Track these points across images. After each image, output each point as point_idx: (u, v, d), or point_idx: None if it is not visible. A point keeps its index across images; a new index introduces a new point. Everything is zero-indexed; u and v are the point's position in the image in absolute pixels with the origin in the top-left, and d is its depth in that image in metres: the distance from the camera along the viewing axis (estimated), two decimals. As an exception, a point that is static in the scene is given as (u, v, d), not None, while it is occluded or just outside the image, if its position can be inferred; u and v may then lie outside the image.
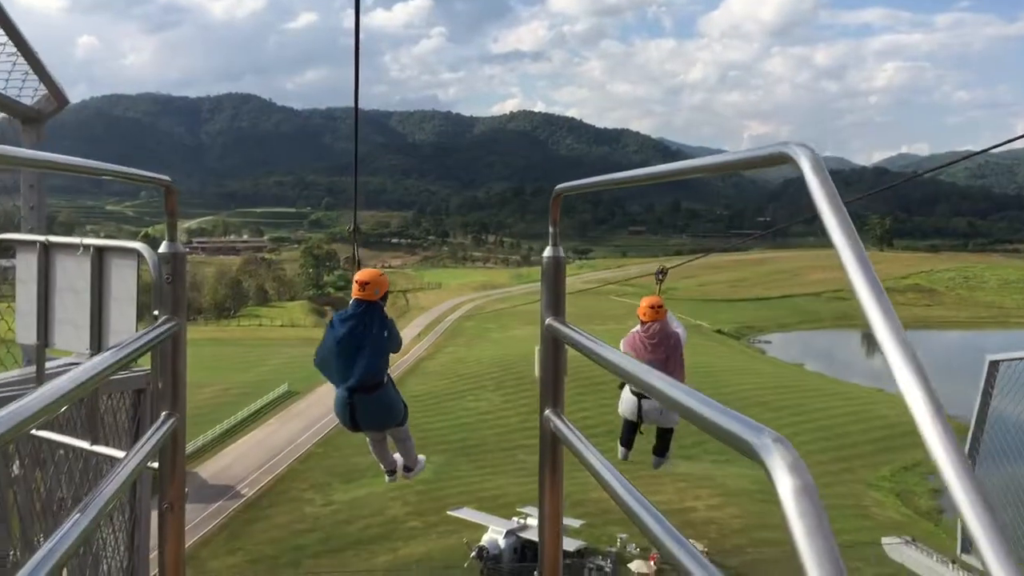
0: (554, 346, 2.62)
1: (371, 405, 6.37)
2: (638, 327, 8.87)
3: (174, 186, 2.58)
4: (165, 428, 2.38)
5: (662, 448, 9.78)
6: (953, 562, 39.96)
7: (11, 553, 4.10)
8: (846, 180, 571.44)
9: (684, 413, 1.56)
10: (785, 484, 1.13)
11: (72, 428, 4.20)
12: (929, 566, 44.27)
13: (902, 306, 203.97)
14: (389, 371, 6.14)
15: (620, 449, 9.75)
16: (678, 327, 9.09)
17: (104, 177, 2.13)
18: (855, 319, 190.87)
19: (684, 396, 1.58)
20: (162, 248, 2.64)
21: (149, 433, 2.30)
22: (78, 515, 1.67)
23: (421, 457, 8.23)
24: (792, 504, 1.07)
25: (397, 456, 7.53)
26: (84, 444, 3.14)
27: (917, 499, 62.77)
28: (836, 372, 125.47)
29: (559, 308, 2.64)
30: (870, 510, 60.55)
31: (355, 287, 6.34)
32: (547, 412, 2.62)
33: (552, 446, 2.62)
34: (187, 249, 2.68)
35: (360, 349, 6.12)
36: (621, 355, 2.09)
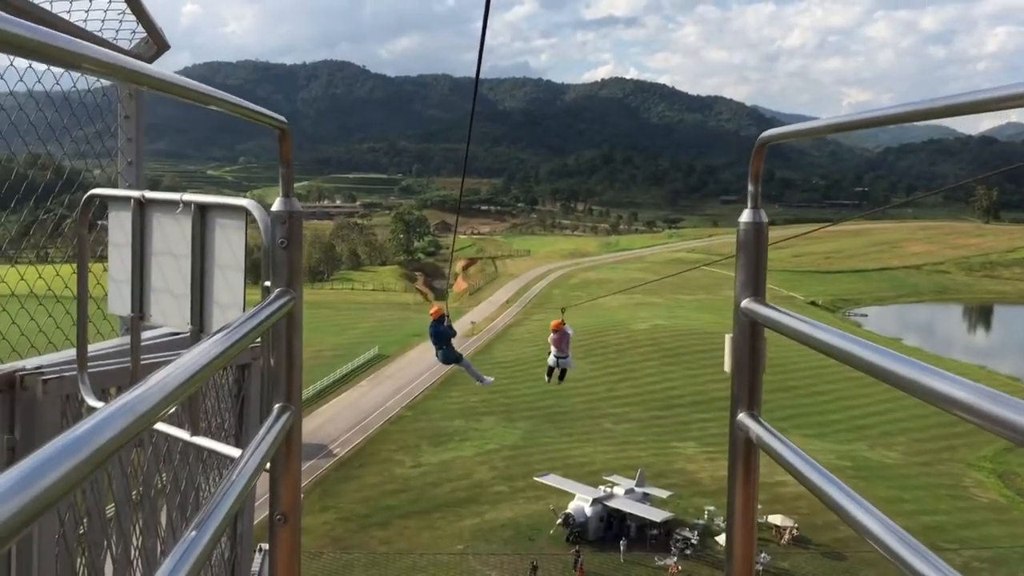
0: (752, 334, 2.10)
1: (442, 354, 18.09)
2: (552, 333, 21.87)
3: (290, 130, 2.12)
4: (279, 425, 1.95)
5: (561, 378, 22.71)
6: None
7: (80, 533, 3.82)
8: (949, 150, 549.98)
9: (934, 399, 1.25)
10: None
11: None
12: None
13: (1007, 280, 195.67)
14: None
15: (546, 378, 23.25)
16: (569, 329, 21.89)
17: (213, 108, 1.68)
18: (956, 293, 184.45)
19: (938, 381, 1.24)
20: (275, 205, 2.18)
21: (262, 432, 1.88)
22: (194, 533, 1.40)
23: (489, 378, 21.50)
24: None
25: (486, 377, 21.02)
26: (184, 435, 2.75)
27: (1020, 481, 60.27)
28: (935, 348, 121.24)
29: (760, 287, 2.11)
30: (970, 491, 58.43)
31: (431, 315, 18.18)
32: (741, 416, 2.10)
33: (746, 452, 2.11)
34: (302, 208, 2.22)
35: (437, 334, 17.86)
36: (858, 343, 1.59)
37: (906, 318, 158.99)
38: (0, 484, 0.71)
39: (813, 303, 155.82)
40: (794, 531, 47.08)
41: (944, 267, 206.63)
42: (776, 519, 47.24)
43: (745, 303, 2.09)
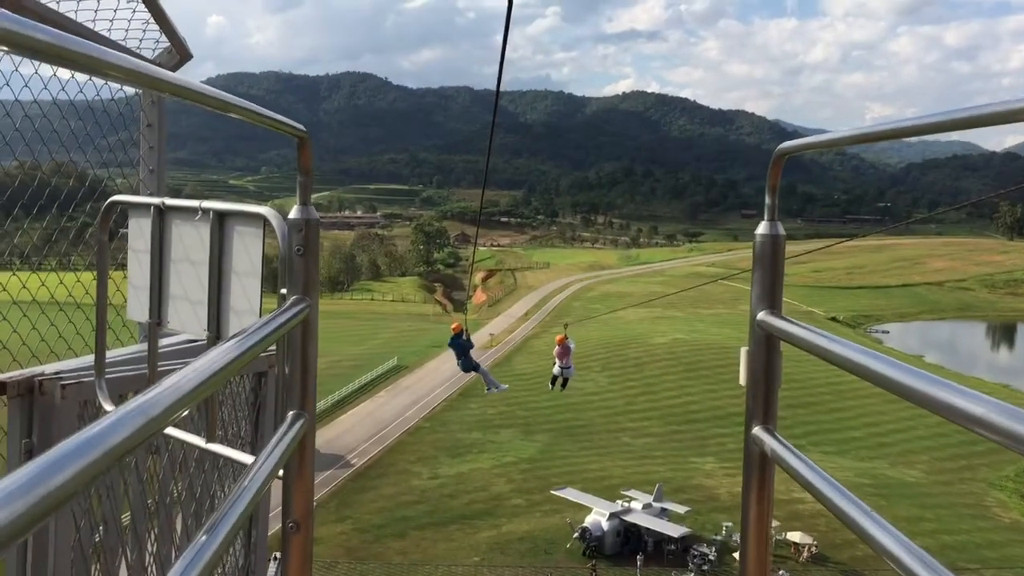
0: (768, 348, 2.08)
1: (462, 363, 23.42)
2: (557, 346, 26.00)
3: (309, 139, 2.13)
4: (293, 432, 1.96)
5: (564, 385, 26.46)
6: None
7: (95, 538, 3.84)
8: (973, 166, 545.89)
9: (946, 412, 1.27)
10: None
11: (188, 415, 3.89)
12: None
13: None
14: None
15: (550, 385, 26.96)
16: (571, 343, 25.92)
17: (232, 115, 1.69)
18: (979, 310, 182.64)
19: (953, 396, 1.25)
20: (292, 213, 2.19)
21: (276, 439, 1.89)
22: (204, 537, 1.41)
23: (504, 385, 27.96)
24: None
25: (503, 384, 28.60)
26: (199, 441, 2.76)
27: (1043, 501, 59.58)
28: (958, 365, 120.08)
29: (776, 300, 2.10)
30: (991, 511, 57.69)
31: (452, 329, 23.42)
32: (756, 429, 2.09)
33: (761, 466, 2.10)
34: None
35: (459, 346, 23.04)
36: (874, 356, 1.58)
37: (928, 335, 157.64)
38: (14, 481, 0.73)
39: (834, 319, 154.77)
40: (812, 549, 46.65)
41: (967, 284, 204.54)
42: (795, 536, 46.83)
43: (761, 315, 2.08)
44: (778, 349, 2.10)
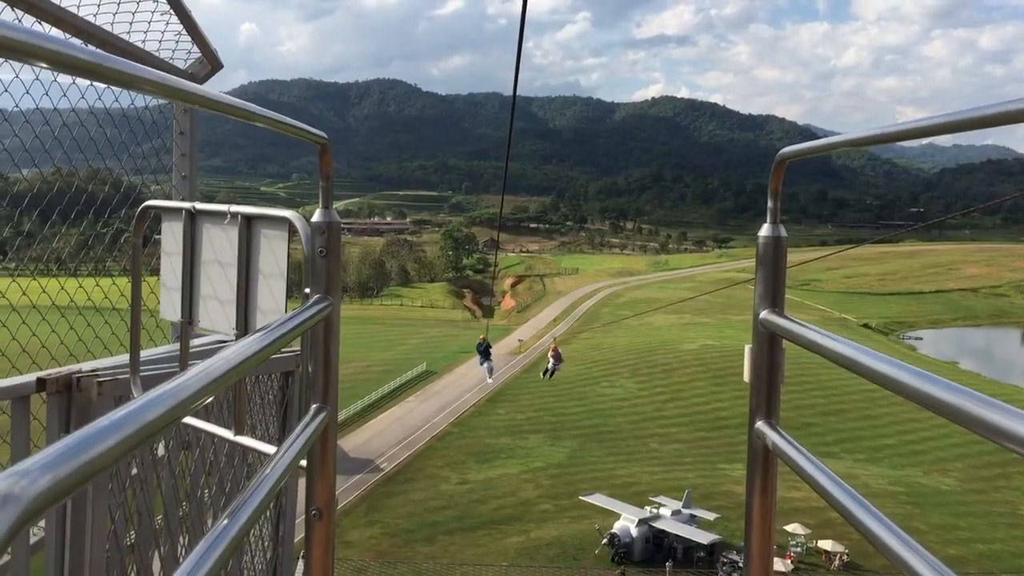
0: (770, 345, 2.16)
1: (480, 358, 38.85)
2: (551, 352, 40.99)
3: (330, 146, 2.25)
4: (315, 424, 2.07)
5: (551, 375, 42.72)
6: None
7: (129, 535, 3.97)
8: (1008, 171, 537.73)
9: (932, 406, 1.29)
10: None
11: (218, 411, 4.02)
12: None
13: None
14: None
15: (542, 375, 45.43)
16: (560, 351, 41.29)
17: (258, 124, 1.81)
18: (1014, 316, 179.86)
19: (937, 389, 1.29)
20: (315, 217, 2.31)
21: (299, 430, 2.00)
22: (226, 521, 1.49)
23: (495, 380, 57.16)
24: None
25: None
26: (227, 434, 2.88)
27: (1079, 510, 58.57)
28: (994, 372, 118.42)
29: (778, 299, 2.17)
30: (1026, 520, 56.91)
31: (481, 337, 38.71)
32: (759, 424, 2.17)
33: (764, 461, 2.17)
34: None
35: (483, 351, 37.96)
36: (872, 355, 1.64)
37: (962, 342, 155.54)
38: (56, 450, 0.78)
39: (866, 326, 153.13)
40: (844, 557, 46.25)
41: (1002, 290, 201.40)
42: (826, 544, 46.48)
43: (764, 315, 2.16)
44: (780, 347, 2.18)
